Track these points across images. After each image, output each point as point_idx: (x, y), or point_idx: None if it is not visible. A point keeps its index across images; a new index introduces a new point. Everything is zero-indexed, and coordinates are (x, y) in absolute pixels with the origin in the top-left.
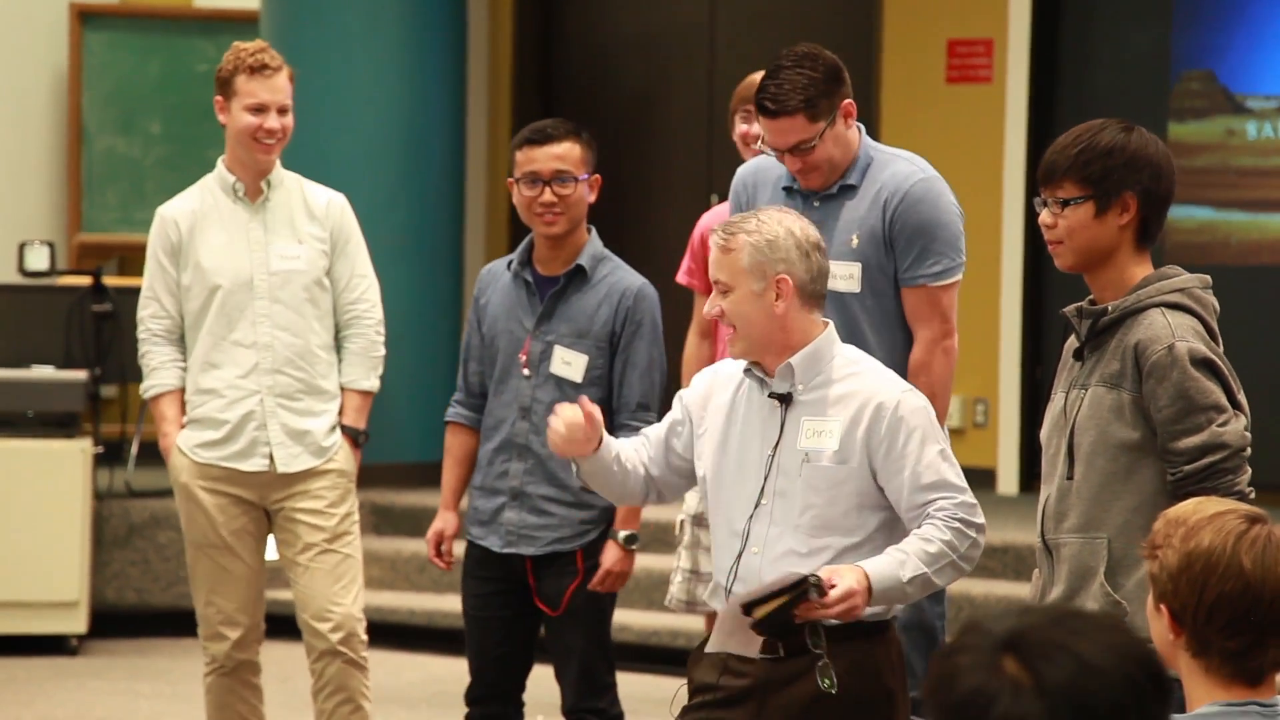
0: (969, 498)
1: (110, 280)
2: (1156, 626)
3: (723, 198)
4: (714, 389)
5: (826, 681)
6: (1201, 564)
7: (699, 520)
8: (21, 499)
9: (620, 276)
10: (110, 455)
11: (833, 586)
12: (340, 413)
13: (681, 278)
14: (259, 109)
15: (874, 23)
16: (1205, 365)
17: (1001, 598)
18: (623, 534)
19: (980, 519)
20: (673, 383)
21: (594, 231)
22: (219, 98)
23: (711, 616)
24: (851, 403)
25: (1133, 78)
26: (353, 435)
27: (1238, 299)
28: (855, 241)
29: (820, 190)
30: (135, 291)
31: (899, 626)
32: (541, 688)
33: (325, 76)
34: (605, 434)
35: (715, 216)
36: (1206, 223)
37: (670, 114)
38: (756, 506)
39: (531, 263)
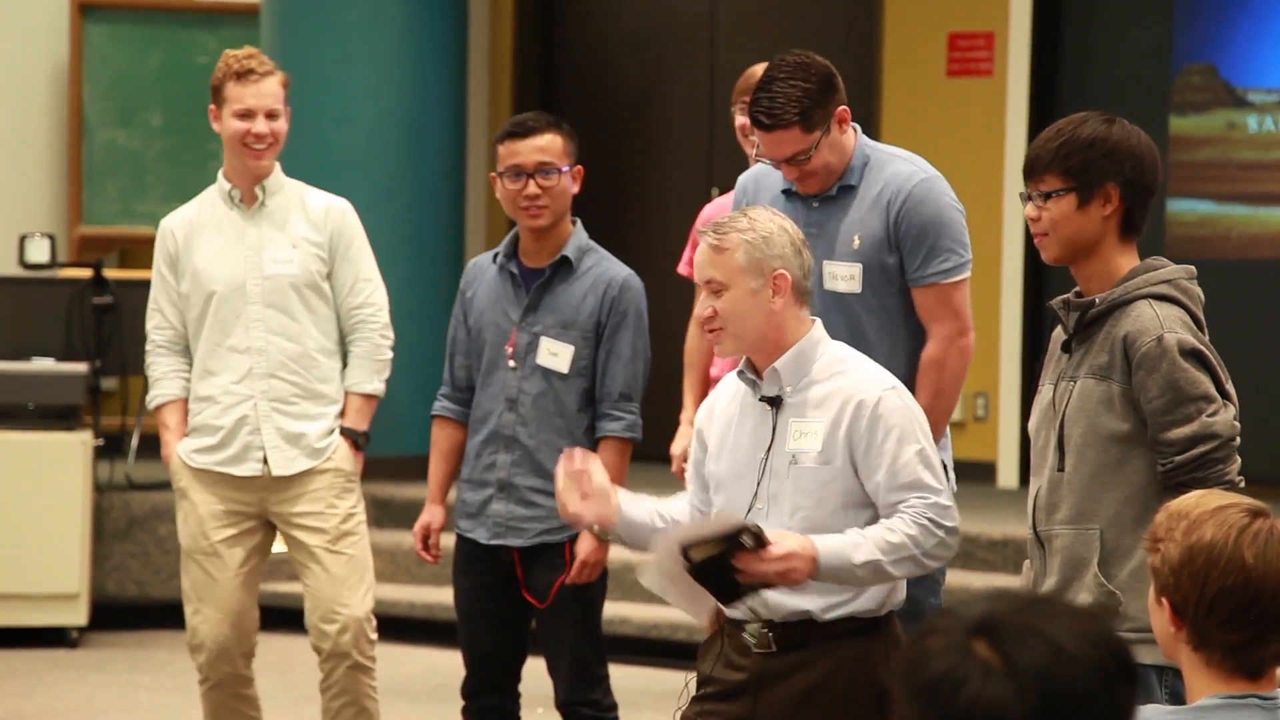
0: (944, 499)
1: (111, 273)
2: (1157, 619)
3: (724, 190)
4: (716, 401)
5: (753, 640)
6: (1203, 558)
7: None
8: (22, 491)
9: (606, 267)
10: (111, 448)
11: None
12: (342, 414)
13: (683, 269)
14: (246, 114)
15: (875, 16)
16: (1194, 356)
17: None
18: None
19: (951, 521)
20: (659, 374)
21: (579, 223)
22: (212, 106)
23: (711, 610)
24: (834, 402)
25: (1134, 71)
26: (353, 437)
27: (1238, 293)
28: (857, 242)
29: (819, 193)
30: (136, 284)
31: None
32: (539, 680)
33: (325, 69)
34: (628, 496)
35: (716, 209)
36: (1207, 216)
37: (671, 107)
38: (750, 510)
39: (517, 255)
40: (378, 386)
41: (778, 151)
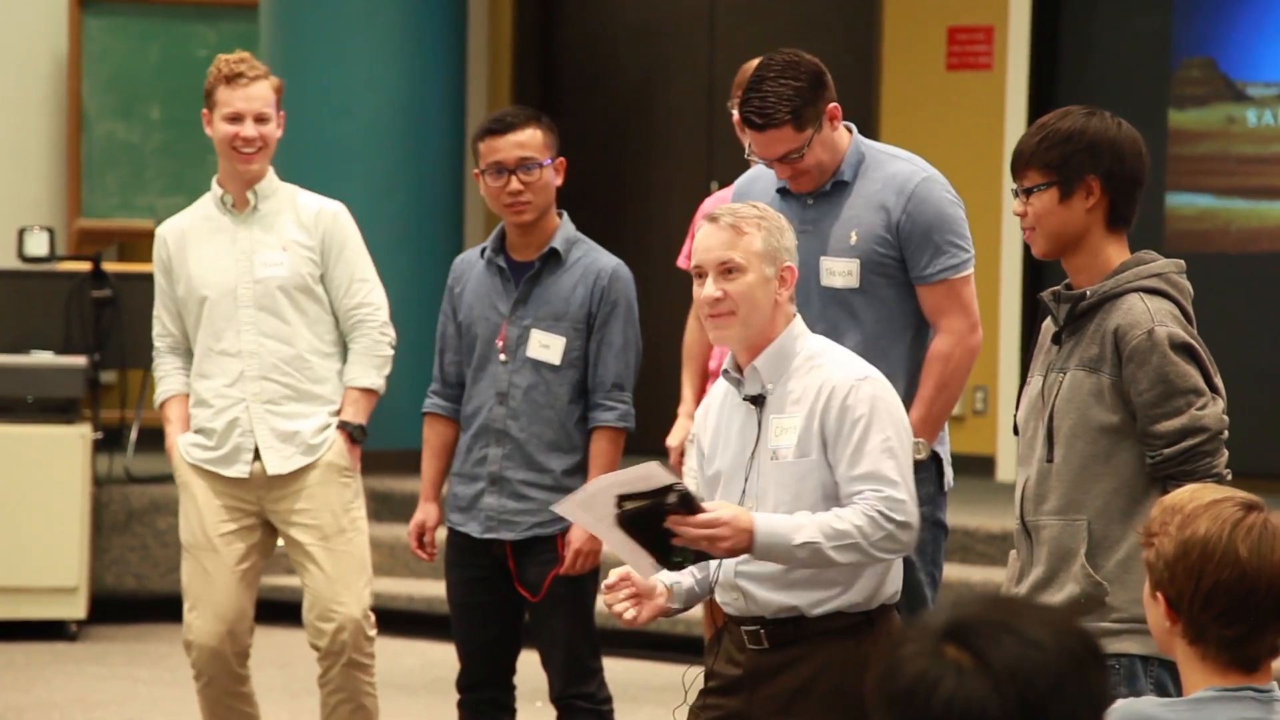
0: (899, 494)
1: (110, 266)
2: (1153, 614)
3: (723, 184)
4: (710, 404)
5: (677, 558)
6: (1198, 552)
7: None
8: (21, 484)
9: (595, 258)
10: (110, 441)
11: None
12: (338, 412)
13: (682, 262)
14: (235, 118)
15: (874, 10)
16: (1184, 349)
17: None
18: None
19: (903, 517)
20: (657, 367)
21: (565, 215)
22: (205, 111)
23: (710, 604)
24: (809, 395)
25: (1133, 65)
26: (350, 431)
27: (1238, 286)
28: (854, 238)
29: (812, 190)
30: (135, 277)
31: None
32: (537, 673)
33: (324, 63)
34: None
35: (716, 202)
36: (1207, 210)
37: (670, 101)
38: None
39: (505, 249)
40: (376, 382)
41: (770, 150)
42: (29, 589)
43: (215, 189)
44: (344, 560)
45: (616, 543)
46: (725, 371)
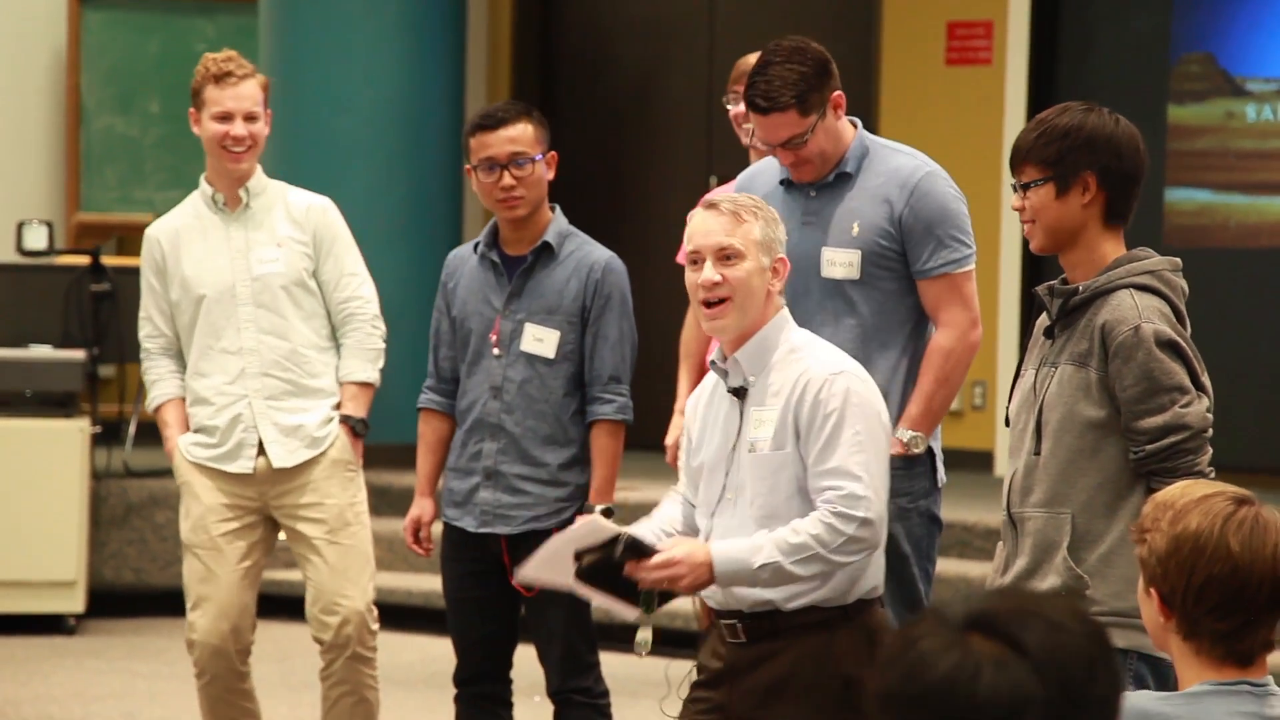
0: (859, 489)
1: (108, 260)
2: (1147, 610)
3: (722, 179)
4: (701, 394)
5: (642, 646)
6: (1190, 547)
7: None
8: (19, 478)
9: (588, 251)
10: (108, 435)
11: (656, 551)
12: (339, 405)
13: (682, 258)
14: (225, 117)
15: (874, 4)
16: (1170, 347)
17: None
18: (599, 507)
19: (863, 513)
20: (655, 363)
21: (558, 209)
22: (192, 110)
23: (703, 599)
24: (786, 388)
25: (1132, 60)
26: (351, 424)
27: (1237, 281)
28: (856, 230)
29: (815, 181)
30: (133, 271)
31: (887, 601)
32: (535, 668)
33: (323, 57)
34: (638, 531)
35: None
36: (1206, 205)
37: (670, 95)
38: (720, 500)
39: (498, 244)
40: (372, 375)
41: (774, 135)
42: (27, 583)
43: (205, 187)
44: (349, 554)
45: (589, 596)
46: (713, 363)
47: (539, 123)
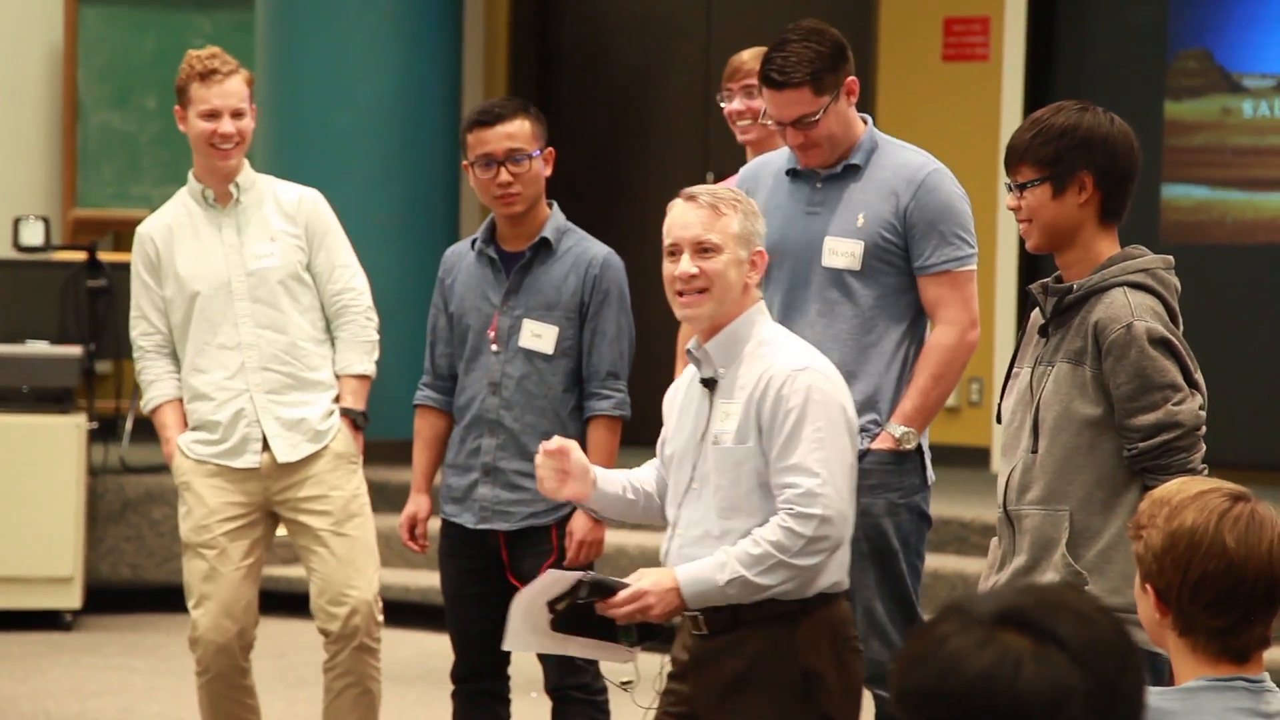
0: (816, 485)
1: (105, 255)
2: (1143, 606)
3: (719, 176)
4: (678, 389)
5: (627, 678)
6: (1185, 543)
7: None
8: (16, 474)
9: (586, 247)
10: (105, 431)
11: (623, 586)
12: (338, 398)
13: None
14: (211, 115)
15: (871, 1)
16: (1162, 344)
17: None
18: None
19: (819, 509)
20: (652, 360)
21: (555, 205)
22: (178, 108)
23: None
24: (751, 381)
25: (1129, 56)
26: (352, 417)
27: (1233, 278)
28: (861, 221)
29: (823, 171)
30: (130, 268)
31: (876, 596)
32: (532, 664)
33: (320, 53)
34: (603, 470)
35: None
36: (1202, 201)
37: (667, 92)
38: (687, 491)
39: (495, 240)
40: (369, 367)
41: (786, 112)
42: (24, 579)
43: (194, 184)
44: (354, 545)
45: (575, 647)
46: (689, 351)
47: (536, 119)
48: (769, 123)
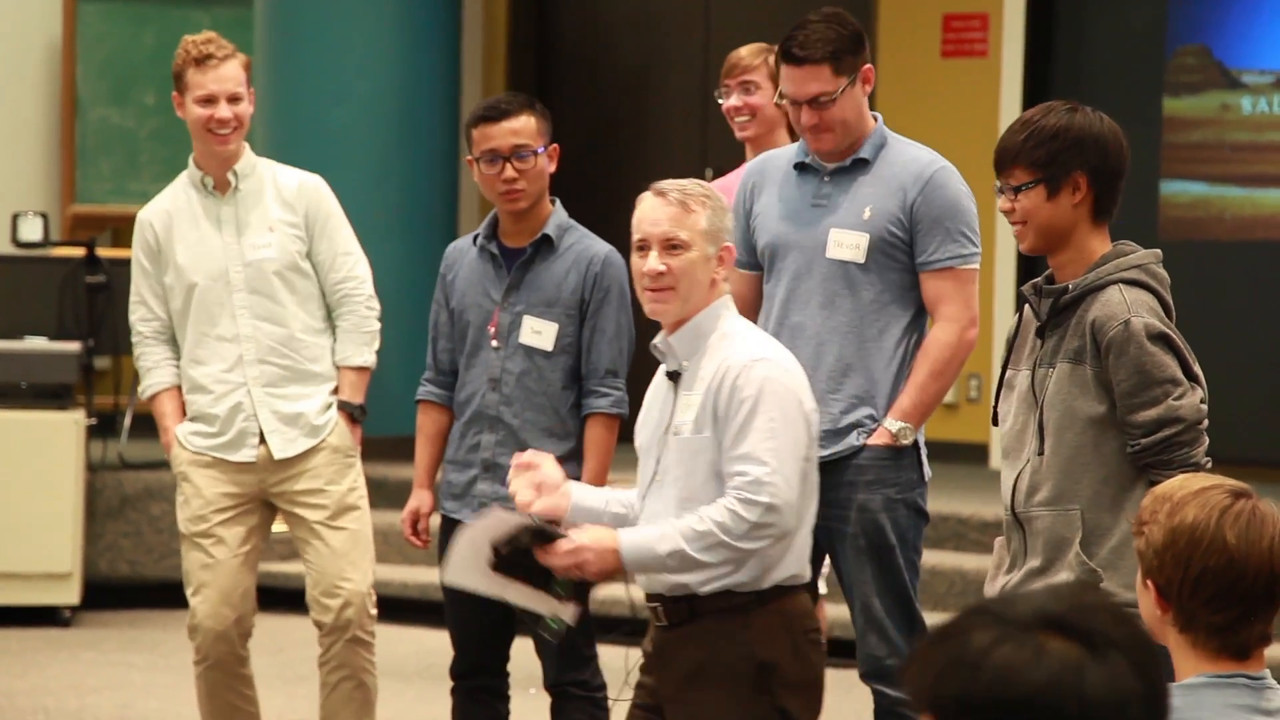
0: (764, 474)
1: (104, 251)
2: (1144, 602)
3: (718, 172)
4: (655, 383)
5: (553, 624)
6: (1186, 539)
7: None
8: (15, 470)
9: (587, 245)
10: (103, 427)
11: (566, 538)
12: (337, 390)
13: None
14: (208, 100)
15: None
16: (1161, 340)
17: None
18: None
19: (766, 498)
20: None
21: (558, 202)
22: (175, 94)
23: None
24: (709, 373)
25: (1128, 52)
26: (349, 411)
27: (1232, 274)
28: (868, 214)
29: (831, 162)
30: (129, 263)
31: (874, 592)
32: (531, 660)
33: (319, 48)
34: (579, 486)
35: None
36: (1201, 198)
37: (666, 88)
38: (651, 483)
39: (497, 236)
40: (368, 358)
41: (803, 88)
42: (23, 574)
43: (193, 170)
44: (349, 538)
45: (512, 593)
46: (654, 345)
47: (542, 115)
48: (782, 102)
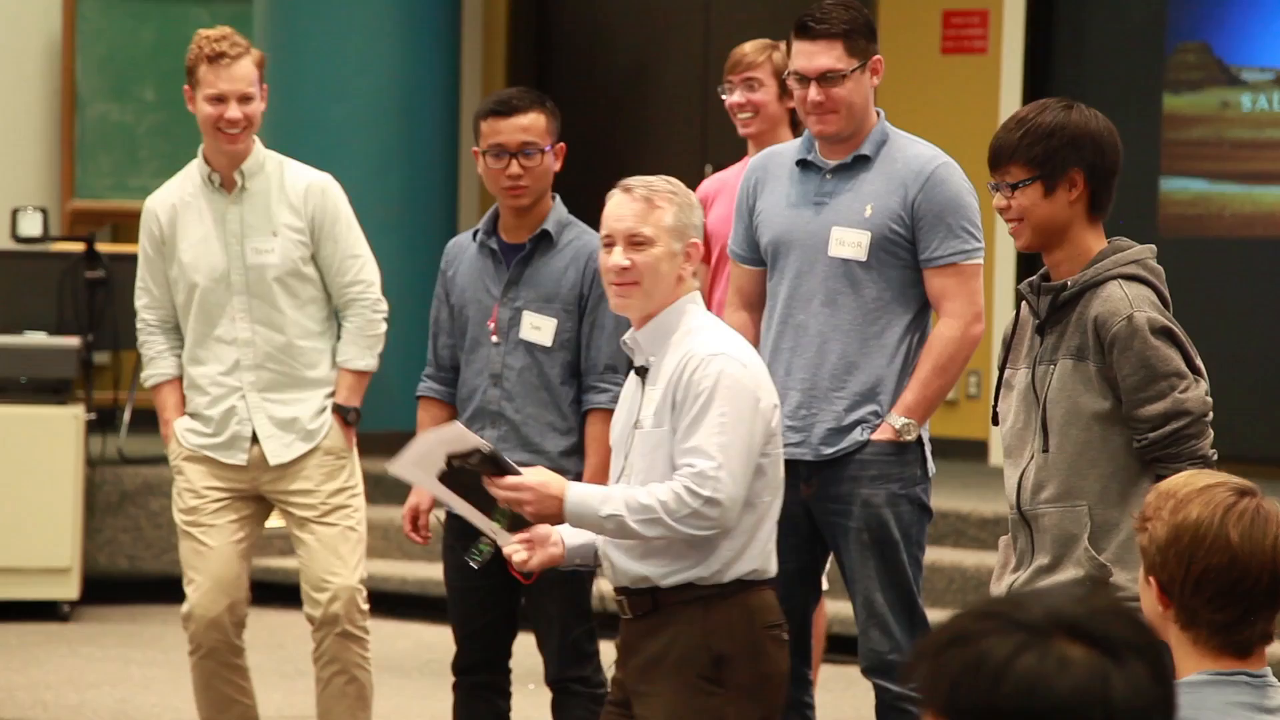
0: (710, 468)
1: (103, 247)
2: (1146, 598)
3: (717, 168)
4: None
5: (482, 548)
6: (1189, 536)
7: None
8: (14, 465)
9: (586, 240)
10: (103, 422)
11: (517, 473)
12: (333, 393)
13: None
14: (219, 99)
15: None
16: (1164, 333)
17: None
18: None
19: (710, 492)
20: None
21: (558, 198)
22: (187, 88)
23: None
24: (670, 367)
25: (1128, 49)
26: (342, 413)
27: (1231, 271)
28: (869, 211)
29: (832, 158)
30: (128, 258)
31: (876, 587)
32: (531, 656)
33: (318, 44)
34: (568, 530)
35: (711, 185)
36: (1200, 195)
37: (665, 83)
38: (620, 478)
39: (497, 231)
40: (370, 362)
41: (814, 61)
42: (22, 569)
43: (202, 164)
44: (339, 534)
45: (451, 500)
46: (624, 341)
47: (551, 113)
48: (790, 82)
